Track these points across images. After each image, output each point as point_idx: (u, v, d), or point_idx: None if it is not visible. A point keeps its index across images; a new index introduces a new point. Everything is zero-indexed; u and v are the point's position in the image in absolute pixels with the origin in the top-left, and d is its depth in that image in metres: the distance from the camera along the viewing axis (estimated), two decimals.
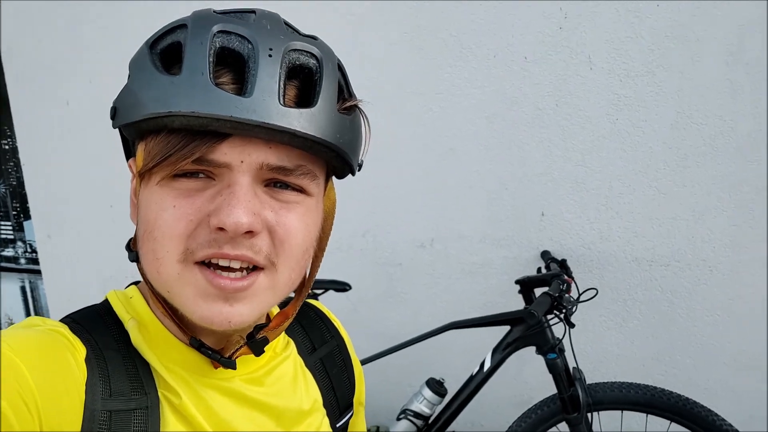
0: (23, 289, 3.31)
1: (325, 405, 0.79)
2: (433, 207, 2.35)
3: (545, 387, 1.87)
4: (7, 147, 3.05)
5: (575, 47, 2.08)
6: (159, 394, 0.61)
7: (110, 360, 0.60)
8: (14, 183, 3.09)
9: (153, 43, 0.59)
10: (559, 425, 1.88)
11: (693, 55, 1.98)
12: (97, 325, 0.63)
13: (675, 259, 2.13)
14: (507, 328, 1.91)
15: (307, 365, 0.80)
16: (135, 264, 0.65)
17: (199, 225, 0.57)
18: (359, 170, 0.68)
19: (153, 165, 0.57)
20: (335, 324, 0.89)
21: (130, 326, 0.64)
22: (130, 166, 0.67)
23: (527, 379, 2.32)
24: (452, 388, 1.96)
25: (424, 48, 2.23)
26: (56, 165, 2.80)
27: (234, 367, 0.65)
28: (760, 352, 2.12)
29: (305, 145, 0.57)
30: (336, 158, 0.62)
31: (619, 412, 1.85)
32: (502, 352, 1.88)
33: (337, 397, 0.83)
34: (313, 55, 0.59)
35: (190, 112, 0.53)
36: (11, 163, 3.05)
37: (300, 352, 0.80)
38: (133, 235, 0.66)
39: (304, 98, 0.59)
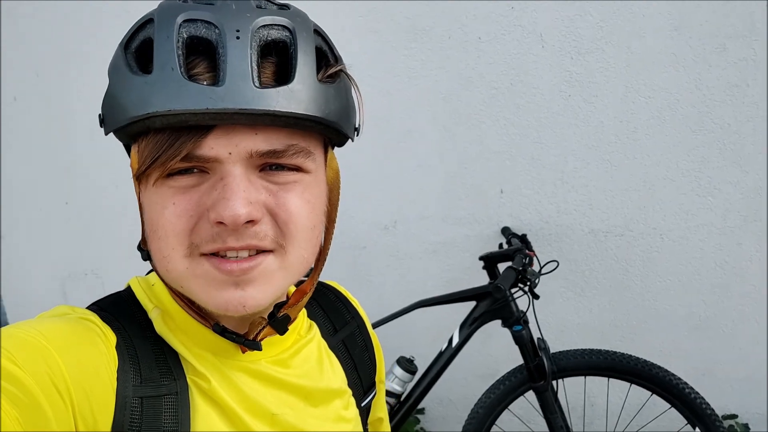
0: None
1: (350, 385, 0.80)
2: (395, 189, 2.36)
3: (509, 358, 1.92)
4: None
5: (527, 26, 2.12)
6: (188, 380, 0.62)
7: (139, 347, 0.61)
8: None
9: (126, 44, 0.58)
10: (526, 394, 1.94)
11: (639, 31, 2.04)
12: (123, 313, 0.64)
13: (628, 229, 2.21)
14: (473, 303, 1.96)
15: (330, 347, 0.80)
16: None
17: (199, 219, 0.57)
18: (358, 135, 0.67)
19: (145, 168, 0.56)
20: (354, 304, 0.90)
21: (153, 316, 0.65)
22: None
23: (491, 351, 2.38)
24: (421, 365, 1.99)
25: (378, 30, 2.23)
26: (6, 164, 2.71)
27: (260, 349, 0.66)
28: (709, 313, 2.23)
29: (289, 124, 0.56)
30: (327, 130, 0.61)
31: (583, 377, 1.93)
32: (470, 327, 1.92)
33: (361, 377, 0.83)
34: (284, 27, 0.57)
35: (166, 110, 0.52)
36: None
37: (323, 334, 0.80)
38: (141, 236, 0.67)
39: (284, 74, 0.57)
